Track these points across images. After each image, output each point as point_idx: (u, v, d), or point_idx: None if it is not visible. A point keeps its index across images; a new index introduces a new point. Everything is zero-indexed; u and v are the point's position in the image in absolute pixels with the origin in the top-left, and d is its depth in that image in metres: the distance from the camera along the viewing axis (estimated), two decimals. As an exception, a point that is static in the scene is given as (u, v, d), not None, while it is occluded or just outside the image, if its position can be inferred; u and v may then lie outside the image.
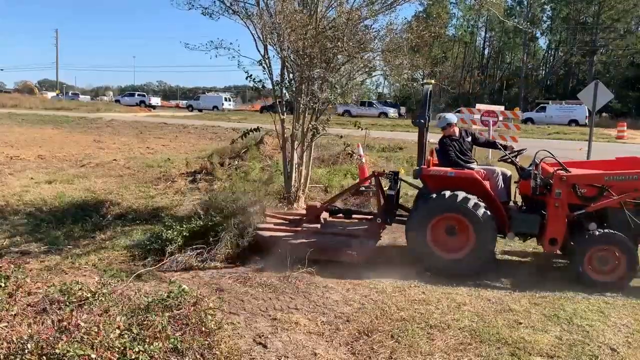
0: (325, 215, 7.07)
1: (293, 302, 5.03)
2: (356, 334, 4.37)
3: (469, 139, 6.73)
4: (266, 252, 6.30)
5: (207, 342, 3.51)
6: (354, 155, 12.28)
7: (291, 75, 8.13)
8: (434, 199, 5.97)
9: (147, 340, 3.26)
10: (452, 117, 6.77)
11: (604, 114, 44.02)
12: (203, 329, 3.63)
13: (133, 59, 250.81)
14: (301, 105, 7.95)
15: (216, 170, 11.33)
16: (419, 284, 5.58)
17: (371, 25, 8.03)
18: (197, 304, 3.91)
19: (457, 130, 6.68)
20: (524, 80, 61.29)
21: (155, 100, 64.02)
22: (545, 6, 62.59)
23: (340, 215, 7.13)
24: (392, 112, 49.05)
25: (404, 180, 6.99)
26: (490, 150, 6.92)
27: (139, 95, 64.97)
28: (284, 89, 8.29)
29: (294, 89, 8.11)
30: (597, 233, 5.68)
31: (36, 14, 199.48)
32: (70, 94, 73.41)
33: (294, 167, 8.31)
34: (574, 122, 39.77)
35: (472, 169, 6.29)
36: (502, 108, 20.71)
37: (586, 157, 13.54)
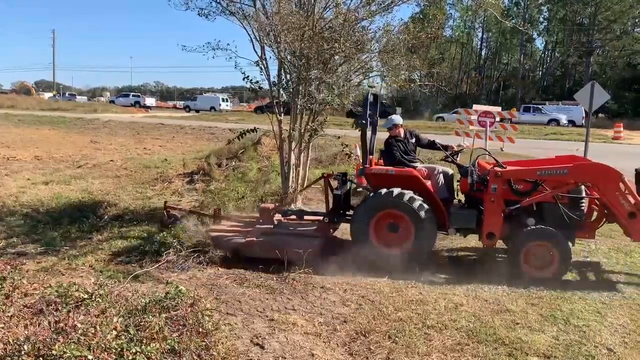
0: (279, 216, 7.21)
1: (290, 302, 5.03)
2: (353, 334, 4.37)
3: (413, 140, 6.99)
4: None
5: (204, 343, 3.51)
6: (352, 155, 12.30)
7: (288, 76, 8.13)
8: (373, 197, 6.25)
9: (144, 341, 3.26)
10: (397, 118, 6.96)
11: (600, 115, 44.15)
12: (200, 329, 3.63)
13: (130, 60, 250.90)
14: (298, 106, 7.95)
15: (213, 171, 11.31)
16: (416, 285, 5.59)
17: (368, 26, 8.04)
18: (194, 304, 3.91)
19: (402, 131, 6.91)
20: (521, 81, 61.44)
21: (150, 101, 64.35)
22: (542, 7, 62.77)
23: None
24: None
25: (352, 181, 7.26)
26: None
27: (133, 96, 65.39)
28: (281, 89, 8.29)
29: (291, 89, 8.11)
30: (531, 229, 5.83)
31: (33, 14, 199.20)
32: (67, 95, 73.29)
33: (291, 168, 8.31)
34: (570, 122, 39.91)
35: (415, 167, 6.52)
36: (499, 109, 20.80)
37: (583, 157, 13.58)
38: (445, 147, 6.91)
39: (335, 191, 6.80)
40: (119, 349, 3.12)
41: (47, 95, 71.09)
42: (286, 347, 4.07)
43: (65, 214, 8.33)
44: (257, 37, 7.94)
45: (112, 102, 63.50)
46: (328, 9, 8.01)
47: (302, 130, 8.12)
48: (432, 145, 7.11)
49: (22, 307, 3.72)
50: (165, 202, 7.88)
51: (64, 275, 5.68)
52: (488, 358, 4.03)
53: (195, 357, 3.38)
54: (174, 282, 5.32)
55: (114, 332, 3.26)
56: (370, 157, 6.58)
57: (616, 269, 6.31)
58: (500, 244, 6.49)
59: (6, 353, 3.02)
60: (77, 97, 73.62)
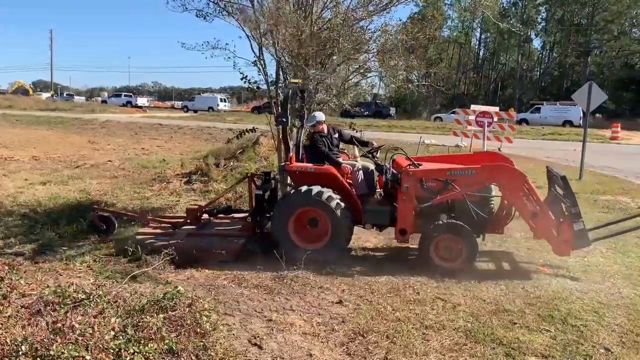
0: (206, 216, 7.30)
1: (288, 303, 5.03)
2: (351, 334, 4.37)
3: (336, 135, 7.14)
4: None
5: (202, 343, 3.51)
6: (349, 156, 12.29)
7: (286, 76, 8.13)
8: (291, 195, 6.43)
9: (142, 342, 3.26)
10: (320, 115, 7.07)
11: (597, 115, 44.22)
12: (198, 330, 3.63)
13: (128, 60, 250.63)
14: (296, 106, 7.94)
15: (211, 171, 11.31)
16: (414, 285, 5.59)
17: (366, 27, 8.04)
18: (192, 305, 3.91)
19: (325, 127, 7.02)
20: (518, 81, 61.51)
21: (142, 101, 65.21)
22: (540, 7, 62.83)
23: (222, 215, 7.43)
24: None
25: (280, 181, 7.41)
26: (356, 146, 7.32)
27: (125, 96, 66.54)
28: (279, 90, 8.28)
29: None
30: (440, 222, 6.05)
31: (31, 14, 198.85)
32: (65, 95, 73.26)
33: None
34: (568, 123, 39.98)
35: (340, 162, 6.69)
36: (497, 109, 20.83)
37: (580, 157, 13.63)
38: (365, 143, 7.14)
39: (256, 191, 6.86)
40: (117, 349, 3.12)
41: (45, 95, 71.10)
42: (284, 347, 4.07)
43: (63, 215, 8.32)
44: (255, 37, 7.94)
45: (104, 102, 64.36)
46: (326, 9, 8.00)
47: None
48: (352, 140, 7.26)
49: (19, 307, 3.72)
50: (95, 206, 7.83)
51: (61, 275, 5.67)
52: (486, 358, 4.03)
53: (193, 358, 3.37)
54: (172, 282, 5.33)
55: (112, 333, 3.26)
56: (290, 154, 6.74)
57: (614, 268, 6.32)
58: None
59: (4, 354, 3.01)
60: (75, 97, 73.59)
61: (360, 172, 6.80)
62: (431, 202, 6.17)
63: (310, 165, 6.51)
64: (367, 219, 6.50)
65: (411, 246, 6.75)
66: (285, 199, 6.52)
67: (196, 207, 7.38)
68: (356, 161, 7.13)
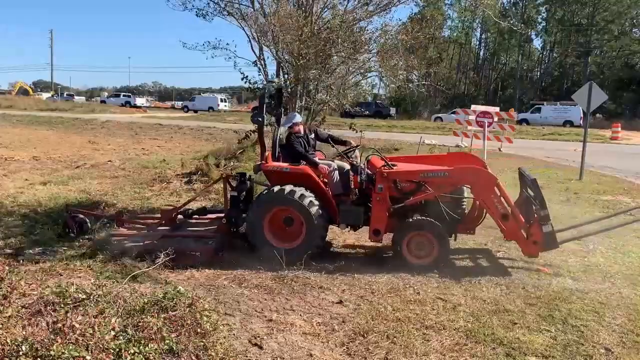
0: (181, 217, 7.29)
1: (288, 303, 5.03)
2: (352, 334, 4.37)
3: (312, 135, 7.17)
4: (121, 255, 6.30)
5: (202, 344, 3.51)
6: (325, 155, 12.31)
7: (286, 76, 8.14)
8: (265, 194, 6.41)
9: (143, 342, 3.26)
10: (296, 116, 7.11)
11: (598, 115, 44.24)
12: (198, 330, 3.63)
13: (128, 60, 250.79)
14: (296, 107, 7.95)
15: (212, 171, 11.31)
16: (414, 285, 5.59)
17: (366, 27, 8.05)
18: (192, 305, 3.91)
19: (301, 128, 7.04)
20: (519, 81, 61.52)
21: (140, 101, 66.07)
22: (540, 7, 62.86)
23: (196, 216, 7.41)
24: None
25: (256, 182, 7.43)
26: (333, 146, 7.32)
27: (124, 96, 67.30)
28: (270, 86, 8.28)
29: (289, 90, 8.11)
30: (412, 220, 6.17)
31: (31, 14, 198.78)
32: (65, 95, 73.30)
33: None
34: (568, 123, 39.98)
35: (317, 162, 6.69)
36: (497, 109, 20.83)
37: (581, 157, 13.63)
38: (343, 142, 7.17)
39: (231, 192, 6.85)
40: (117, 350, 3.12)
41: (45, 95, 71.32)
42: (284, 347, 4.07)
43: (63, 215, 8.32)
44: (256, 38, 7.95)
45: (102, 102, 64.87)
46: (326, 10, 8.02)
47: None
48: (329, 140, 7.29)
49: (20, 307, 3.72)
50: (67, 205, 7.77)
51: (62, 275, 5.66)
52: (486, 358, 4.03)
53: (193, 358, 3.37)
54: (173, 282, 5.33)
55: (112, 333, 3.26)
56: (266, 154, 6.74)
57: (614, 268, 6.32)
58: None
59: (4, 354, 3.02)
60: (75, 97, 73.68)
61: (336, 172, 6.82)
62: (405, 203, 6.24)
63: (285, 164, 6.53)
64: (342, 218, 6.55)
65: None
66: (259, 198, 6.51)
67: (170, 208, 7.36)
68: (332, 161, 7.15)
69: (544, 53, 68.78)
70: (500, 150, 19.25)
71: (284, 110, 6.97)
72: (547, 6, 62.12)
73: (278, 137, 6.84)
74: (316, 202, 6.21)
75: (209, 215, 7.47)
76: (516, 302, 5.18)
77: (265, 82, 7.77)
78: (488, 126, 18.51)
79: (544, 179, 12.14)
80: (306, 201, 6.15)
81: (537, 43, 68.89)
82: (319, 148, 7.47)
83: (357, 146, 7.16)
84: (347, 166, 6.98)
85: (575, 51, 58.69)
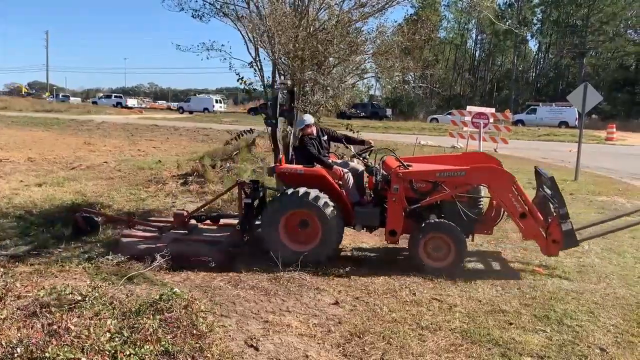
0: (193, 221, 7.20)
1: (285, 304, 5.03)
2: (348, 335, 4.37)
3: (325, 137, 7.12)
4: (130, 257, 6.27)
5: (198, 345, 3.51)
6: (338, 156, 12.33)
7: (282, 77, 8.13)
8: (280, 197, 6.37)
9: (138, 344, 3.25)
10: (309, 118, 7.03)
11: (593, 116, 44.46)
12: (194, 331, 3.63)
13: (124, 61, 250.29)
14: (293, 108, 7.94)
15: (207, 172, 11.30)
16: (410, 286, 5.60)
17: (361, 28, 8.05)
18: (188, 306, 3.91)
19: (314, 129, 6.99)
20: (514, 82, 61.73)
21: (132, 102, 67.09)
22: (536, 9, 63.10)
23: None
24: None
25: (269, 187, 7.38)
26: (351, 146, 7.34)
27: (116, 97, 68.43)
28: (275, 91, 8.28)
29: (285, 91, 8.11)
30: (430, 222, 6.08)
31: (27, 15, 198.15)
32: (60, 96, 73.21)
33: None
34: (564, 123, 40.16)
35: (331, 164, 6.66)
36: (493, 110, 20.91)
37: (576, 158, 13.69)
38: (362, 142, 7.14)
39: (245, 199, 6.76)
40: (113, 351, 3.12)
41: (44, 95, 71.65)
42: (280, 348, 4.07)
43: (58, 216, 8.29)
44: (251, 39, 7.94)
45: (94, 102, 65.70)
46: (322, 10, 8.02)
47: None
48: (342, 141, 7.28)
49: (15, 309, 3.71)
50: (80, 205, 7.69)
51: (57, 277, 5.64)
52: (482, 358, 4.04)
53: (189, 359, 3.37)
54: (168, 283, 5.33)
55: (108, 335, 3.26)
56: (280, 156, 6.69)
57: (609, 269, 6.35)
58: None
59: (-1, 356, 3.01)
60: (71, 98, 73.63)
61: (350, 173, 6.79)
62: (421, 204, 6.19)
63: (300, 167, 6.49)
64: (358, 220, 6.51)
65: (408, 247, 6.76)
66: (274, 201, 6.47)
67: (183, 212, 7.23)
68: (346, 163, 7.10)
69: (539, 54, 69.12)
70: (496, 151, 19.29)
71: (292, 111, 6.92)
72: (542, 7, 62.37)
73: (291, 140, 6.79)
74: (331, 204, 6.15)
75: (223, 221, 7.34)
76: (512, 302, 5.20)
77: (278, 84, 7.75)
78: (484, 127, 18.59)
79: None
80: (321, 203, 6.08)
81: (532, 44, 69.26)
82: (332, 150, 7.41)
83: (372, 147, 7.08)
84: (361, 167, 6.95)
85: (571, 52, 58.94)
